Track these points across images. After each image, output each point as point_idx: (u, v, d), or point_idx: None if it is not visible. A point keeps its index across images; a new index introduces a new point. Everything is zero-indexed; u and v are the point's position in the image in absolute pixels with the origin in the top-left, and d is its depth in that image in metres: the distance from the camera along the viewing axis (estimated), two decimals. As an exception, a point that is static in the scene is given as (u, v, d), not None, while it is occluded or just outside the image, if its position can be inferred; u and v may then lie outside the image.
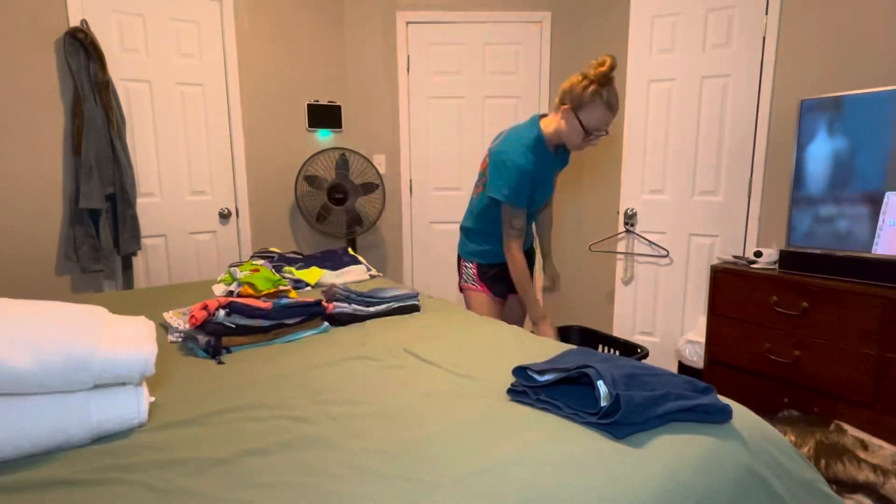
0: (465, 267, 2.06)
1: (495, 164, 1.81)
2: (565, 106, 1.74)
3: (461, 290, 2.10)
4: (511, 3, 3.32)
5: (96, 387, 0.93)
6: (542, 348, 1.40)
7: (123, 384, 0.96)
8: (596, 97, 1.68)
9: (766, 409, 2.19)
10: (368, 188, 3.22)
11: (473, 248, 2.03)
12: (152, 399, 1.03)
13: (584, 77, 1.70)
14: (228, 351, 1.41)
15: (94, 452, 0.89)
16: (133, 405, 0.96)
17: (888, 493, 1.47)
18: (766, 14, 2.50)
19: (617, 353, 2.26)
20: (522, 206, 1.83)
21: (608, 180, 3.37)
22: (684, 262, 2.87)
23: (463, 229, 2.08)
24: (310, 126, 3.32)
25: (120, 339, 0.94)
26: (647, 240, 2.97)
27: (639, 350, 2.13)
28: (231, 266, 2.08)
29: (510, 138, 1.83)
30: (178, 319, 1.61)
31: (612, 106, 1.70)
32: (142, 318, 1.07)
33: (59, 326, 0.90)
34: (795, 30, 2.43)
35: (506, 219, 1.84)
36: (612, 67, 1.66)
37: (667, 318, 2.95)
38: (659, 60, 2.82)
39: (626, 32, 3.17)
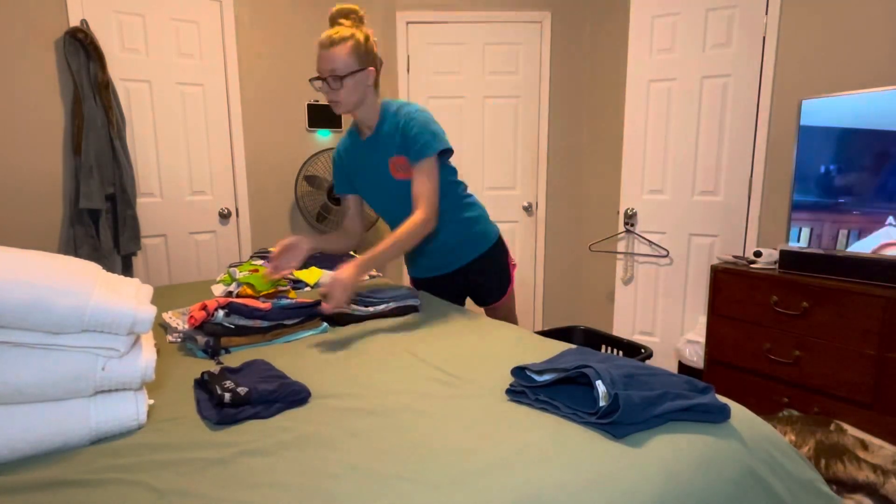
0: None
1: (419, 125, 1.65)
2: None
3: None
4: (511, 3, 3.32)
5: (97, 393, 0.93)
6: (541, 348, 1.40)
7: (123, 388, 0.95)
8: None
9: (766, 409, 2.18)
10: (368, 188, 3.22)
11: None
12: (151, 402, 1.03)
13: None
14: (227, 351, 1.41)
15: (94, 452, 0.89)
16: (132, 408, 0.96)
17: (888, 493, 1.46)
18: (766, 14, 2.50)
19: (620, 353, 2.26)
20: (339, 194, 1.81)
21: (608, 180, 3.36)
22: (684, 262, 2.87)
23: None
24: (310, 126, 3.32)
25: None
26: (647, 240, 2.97)
27: (643, 350, 2.13)
28: (230, 266, 2.08)
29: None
30: (177, 319, 1.61)
31: (319, 42, 1.56)
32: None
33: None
34: (795, 30, 2.43)
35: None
36: (330, 15, 1.60)
37: (667, 318, 2.95)
38: (659, 60, 2.82)
39: (626, 32, 3.17)
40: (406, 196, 1.72)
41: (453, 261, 1.88)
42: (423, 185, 1.60)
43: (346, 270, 1.46)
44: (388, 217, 1.84)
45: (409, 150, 1.63)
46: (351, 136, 1.78)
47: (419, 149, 1.60)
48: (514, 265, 1.99)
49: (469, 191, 1.85)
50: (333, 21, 1.60)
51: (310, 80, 1.60)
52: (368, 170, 1.74)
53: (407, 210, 1.75)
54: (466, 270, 1.91)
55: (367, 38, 1.59)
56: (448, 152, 1.71)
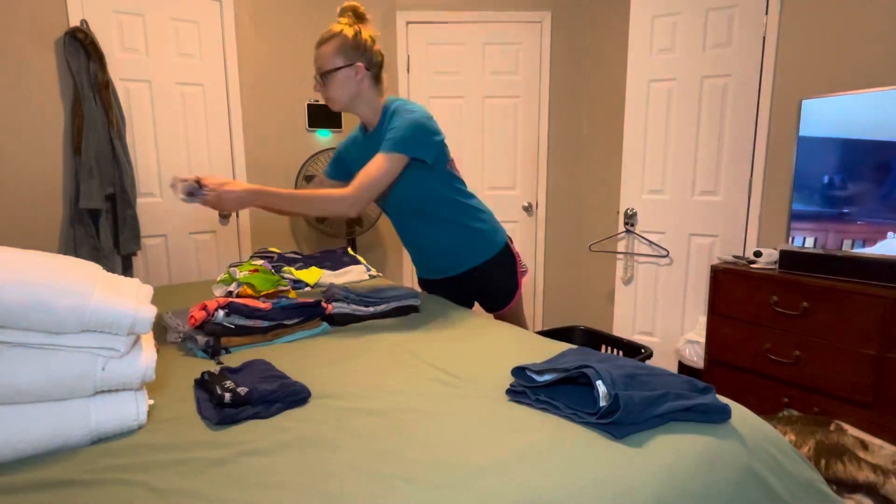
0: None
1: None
2: None
3: None
4: (511, 3, 3.32)
5: (97, 393, 0.93)
6: (541, 349, 1.40)
7: (123, 389, 0.95)
8: None
9: (766, 409, 2.18)
10: (368, 188, 3.22)
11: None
12: (151, 402, 1.03)
13: None
14: (227, 351, 1.41)
15: (94, 452, 0.89)
16: (132, 408, 0.96)
17: (888, 493, 1.46)
18: (766, 14, 2.50)
19: (620, 353, 2.26)
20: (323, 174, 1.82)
21: (608, 180, 3.36)
22: (684, 262, 2.87)
23: None
24: (310, 126, 3.32)
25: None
26: (647, 240, 2.97)
27: (643, 350, 2.13)
28: (231, 266, 2.08)
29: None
30: (177, 319, 1.61)
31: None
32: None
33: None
34: (795, 30, 2.43)
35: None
36: (340, 9, 1.60)
37: (667, 318, 2.95)
38: (659, 60, 2.82)
39: (626, 32, 3.17)
40: (397, 197, 1.70)
41: (456, 264, 1.87)
42: (366, 172, 1.51)
43: (239, 184, 1.42)
44: (389, 214, 1.84)
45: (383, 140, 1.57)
46: (360, 130, 1.77)
47: (388, 141, 1.54)
48: (525, 271, 1.97)
49: (475, 196, 1.88)
50: (340, 13, 1.62)
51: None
52: (361, 163, 1.76)
53: (401, 209, 1.75)
54: (471, 275, 1.89)
55: (356, 34, 1.56)
56: (427, 160, 1.60)
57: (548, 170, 3.50)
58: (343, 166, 1.83)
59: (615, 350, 2.29)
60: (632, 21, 2.87)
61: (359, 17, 1.61)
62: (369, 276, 2.40)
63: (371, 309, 1.73)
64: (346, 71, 1.57)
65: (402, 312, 1.77)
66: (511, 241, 1.94)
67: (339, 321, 1.66)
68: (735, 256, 2.39)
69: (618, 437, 0.91)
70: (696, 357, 2.59)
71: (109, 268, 2.61)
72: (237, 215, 3.14)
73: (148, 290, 1.04)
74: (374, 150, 1.65)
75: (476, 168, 3.49)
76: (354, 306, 1.71)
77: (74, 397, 0.91)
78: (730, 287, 2.27)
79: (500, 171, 3.49)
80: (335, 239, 3.47)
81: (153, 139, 2.85)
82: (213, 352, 1.37)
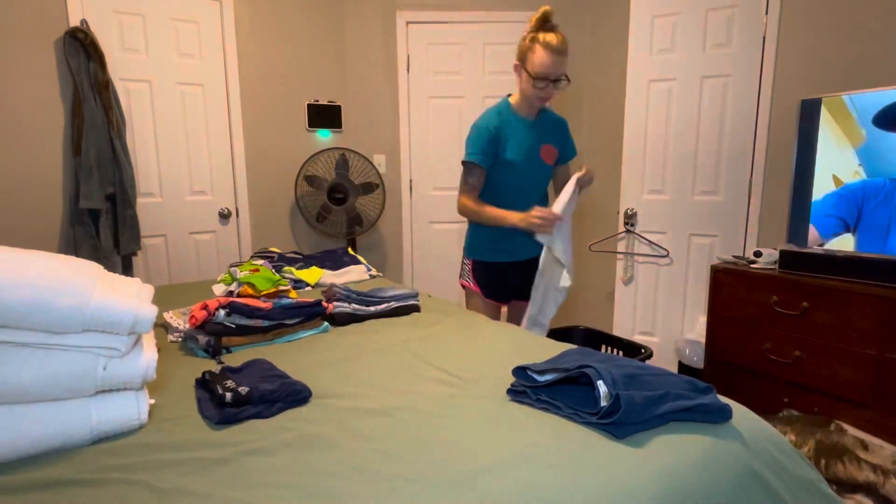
0: (464, 262, 2.08)
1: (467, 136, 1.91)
2: (515, 63, 1.85)
3: (462, 285, 2.13)
4: (511, 3, 3.32)
5: (98, 392, 0.93)
6: (541, 349, 1.40)
7: (124, 388, 0.95)
8: (533, 43, 1.77)
9: (766, 409, 2.19)
10: (368, 188, 3.22)
11: (471, 240, 2.05)
12: (152, 401, 1.03)
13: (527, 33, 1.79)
14: (228, 351, 1.41)
15: (95, 452, 0.89)
16: (133, 408, 0.96)
17: (888, 493, 1.47)
18: (766, 14, 2.51)
19: (620, 353, 2.26)
20: (479, 164, 1.85)
21: (608, 180, 3.37)
22: (684, 262, 2.87)
23: (469, 223, 2.09)
24: (310, 126, 3.32)
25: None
26: (647, 240, 2.98)
27: (643, 350, 2.13)
28: (231, 266, 2.08)
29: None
30: (178, 319, 1.61)
31: (551, 46, 1.74)
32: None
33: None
34: (795, 30, 2.43)
35: (462, 177, 1.90)
36: (546, 14, 1.77)
37: (667, 318, 2.95)
38: (659, 60, 2.82)
39: (626, 32, 3.17)
40: (536, 175, 1.95)
41: (531, 248, 1.99)
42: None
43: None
44: (510, 189, 1.94)
45: (566, 147, 2.05)
46: (510, 114, 1.91)
47: (573, 152, 2.09)
48: None
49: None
50: (548, 20, 1.80)
51: (535, 79, 1.78)
52: (525, 145, 1.91)
53: (532, 187, 1.96)
54: (529, 264, 2.01)
55: None
56: None
57: (548, 170, 3.49)
58: (494, 151, 1.88)
59: (615, 350, 2.29)
60: (632, 21, 2.87)
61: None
62: (370, 275, 2.40)
63: (372, 309, 1.73)
64: None
65: (402, 312, 1.77)
66: None
67: (340, 321, 1.66)
68: (735, 256, 2.39)
69: (618, 438, 0.91)
70: (696, 357, 2.59)
71: (109, 268, 2.60)
72: (237, 215, 3.14)
73: (149, 290, 1.04)
74: (535, 134, 1.94)
75: (476, 168, 3.49)
76: (355, 306, 1.71)
77: (76, 397, 0.91)
78: (730, 287, 2.27)
79: (500, 171, 3.49)
80: (335, 239, 3.47)
81: (153, 139, 2.85)
82: (214, 351, 1.38)
